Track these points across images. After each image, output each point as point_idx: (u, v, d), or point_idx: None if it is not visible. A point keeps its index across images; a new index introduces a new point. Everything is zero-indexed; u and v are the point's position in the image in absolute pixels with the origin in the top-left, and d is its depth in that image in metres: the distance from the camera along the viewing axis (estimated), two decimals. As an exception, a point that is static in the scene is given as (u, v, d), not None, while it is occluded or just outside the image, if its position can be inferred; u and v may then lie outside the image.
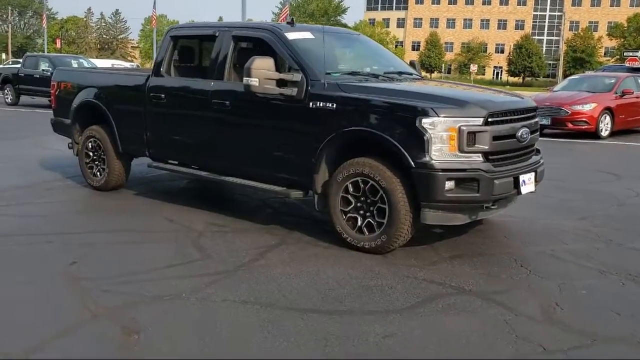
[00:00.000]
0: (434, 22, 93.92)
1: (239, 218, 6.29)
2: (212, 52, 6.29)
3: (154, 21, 46.72)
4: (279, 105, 5.57)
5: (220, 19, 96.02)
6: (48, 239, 5.48)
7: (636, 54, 42.35)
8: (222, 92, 6.05)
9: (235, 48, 6.16)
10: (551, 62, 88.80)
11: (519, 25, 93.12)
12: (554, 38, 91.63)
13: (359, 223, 5.17)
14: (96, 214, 6.50)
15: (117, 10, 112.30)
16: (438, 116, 4.77)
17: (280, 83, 5.45)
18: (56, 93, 7.99)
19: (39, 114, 18.14)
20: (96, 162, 7.53)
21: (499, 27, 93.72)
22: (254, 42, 6.14)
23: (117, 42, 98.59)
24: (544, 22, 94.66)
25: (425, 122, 4.76)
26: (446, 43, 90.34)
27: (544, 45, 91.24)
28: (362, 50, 6.77)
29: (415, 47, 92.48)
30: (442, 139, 4.77)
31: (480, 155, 4.88)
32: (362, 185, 5.10)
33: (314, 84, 5.38)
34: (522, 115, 5.36)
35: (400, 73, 6.24)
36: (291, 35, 5.79)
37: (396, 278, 4.59)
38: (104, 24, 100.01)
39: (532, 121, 5.52)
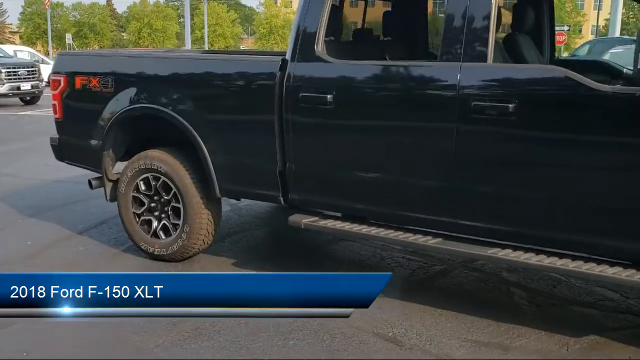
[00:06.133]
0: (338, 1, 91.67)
1: (494, 320, 3.37)
2: (449, 12, 3.26)
3: (47, 1, 41.11)
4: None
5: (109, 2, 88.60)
6: None
7: (562, 28, 42.05)
8: (497, 85, 3.09)
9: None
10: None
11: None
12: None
13: None
14: (223, 334, 3.31)
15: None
16: None
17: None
18: (64, 95, 4.60)
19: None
20: (157, 213, 4.31)
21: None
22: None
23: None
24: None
25: None
26: (350, 23, 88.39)
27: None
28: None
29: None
30: None
31: None
32: None
33: None
34: None
35: None
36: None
37: None
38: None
39: None
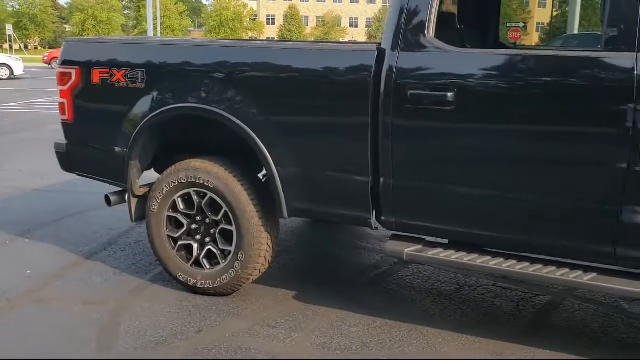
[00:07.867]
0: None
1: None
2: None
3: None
4: None
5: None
6: None
7: (518, 24, 42.34)
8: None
9: None
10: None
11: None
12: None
13: None
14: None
15: None
16: None
17: None
18: (75, 91, 3.72)
19: None
20: (199, 237, 3.50)
21: (351, 1, 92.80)
22: None
23: None
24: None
25: None
26: (301, 17, 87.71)
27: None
28: None
29: (270, 21, 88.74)
30: None
31: None
32: None
33: None
34: None
35: None
36: None
37: None
38: None
39: None
